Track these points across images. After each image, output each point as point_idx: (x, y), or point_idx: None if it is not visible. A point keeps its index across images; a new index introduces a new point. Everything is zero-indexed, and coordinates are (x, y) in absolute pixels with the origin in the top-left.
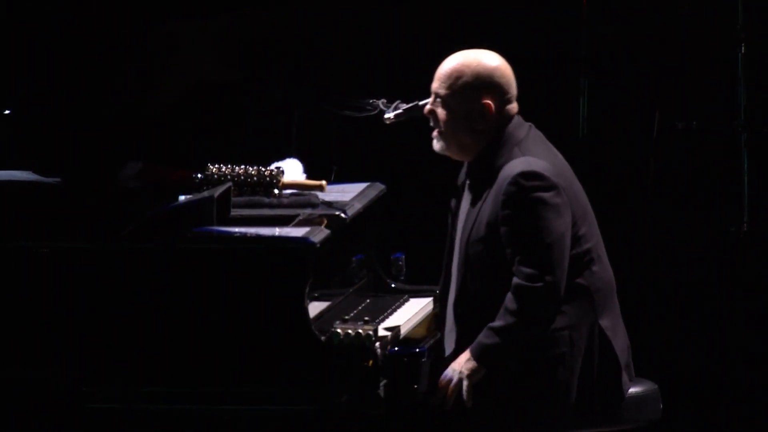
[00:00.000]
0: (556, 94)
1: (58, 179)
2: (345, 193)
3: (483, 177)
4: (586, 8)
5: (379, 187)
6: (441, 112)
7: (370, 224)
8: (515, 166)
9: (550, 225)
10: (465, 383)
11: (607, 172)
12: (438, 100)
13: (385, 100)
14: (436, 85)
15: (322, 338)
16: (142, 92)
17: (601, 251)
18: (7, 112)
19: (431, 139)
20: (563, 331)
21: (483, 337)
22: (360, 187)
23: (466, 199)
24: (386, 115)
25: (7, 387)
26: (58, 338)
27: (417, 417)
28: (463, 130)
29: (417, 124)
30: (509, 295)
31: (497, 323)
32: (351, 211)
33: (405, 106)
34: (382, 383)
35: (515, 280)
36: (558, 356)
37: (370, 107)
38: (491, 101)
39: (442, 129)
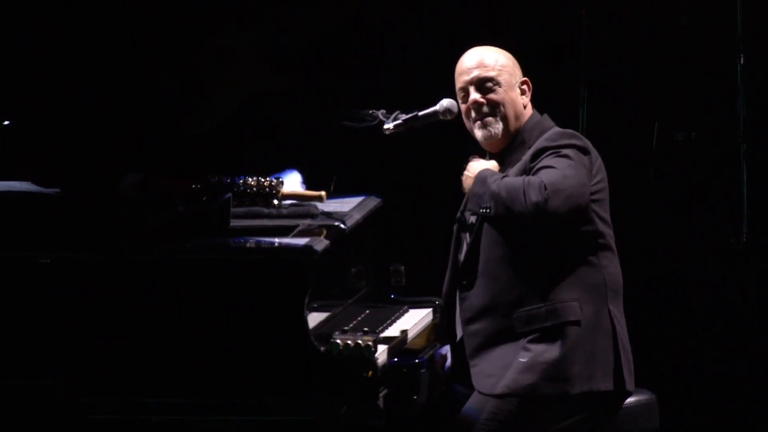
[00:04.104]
0: (555, 105)
1: (57, 190)
2: (344, 205)
3: (514, 156)
4: (585, 20)
5: (375, 200)
6: (494, 94)
7: (368, 235)
8: (556, 129)
9: (573, 167)
10: (463, 177)
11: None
12: (488, 84)
13: (384, 111)
14: (477, 73)
15: (322, 349)
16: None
17: (614, 248)
18: (6, 122)
19: (434, 150)
20: (572, 302)
21: (494, 173)
22: (357, 199)
23: None
24: (386, 126)
25: (8, 397)
26: (58, 349)
27: (416, 427)
28: (514, 106)
29: (416, 134)
30: (526, 177)
31: (505, 180)
32: (350, 222)
33: (404, 116)
34: (381, 394)
35: (530, 176)
36: (566, 324)
37: (369, 118)
38: (527, 78)
39: (496, 110)
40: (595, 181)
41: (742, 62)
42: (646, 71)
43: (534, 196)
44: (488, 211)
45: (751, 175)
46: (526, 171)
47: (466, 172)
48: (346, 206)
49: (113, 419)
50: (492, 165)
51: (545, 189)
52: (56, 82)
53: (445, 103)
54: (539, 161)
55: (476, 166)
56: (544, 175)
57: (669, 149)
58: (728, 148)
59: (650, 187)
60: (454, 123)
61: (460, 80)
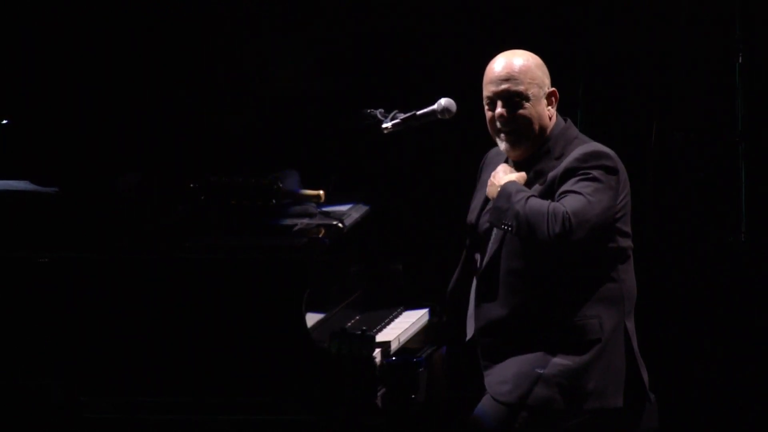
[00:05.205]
0: None
1: (55, 189)
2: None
3: (540, 167)
4: (583, 19)
5: (364, 207)
6: (519, 110)
7: (365, 237)
8: (585, 147)
9: (600, 193)
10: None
11: None
12: (516, 98)
13: (382, 110)
14: (505, 86)
15: (320, 348)
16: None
17: (632, 258)
18: (5, 122)
19: (430, 151)
20: (592, 319)
21: (520, 190)
22: (349, 205)
23: None
24: (384, 125)
25: (6, 396)
26: (56, 347)
27: (415, 426)
28: (541, 120)
29: (415, 134)
30: (550, 203)
31: (530, 200)
32: (348, 221)
33: (402, 116)
34: (379, 393)
35: (555, 204)
36: (585, 341)
37: (367, 117)
38: (554, 88)
39: (522, 126)
40: (620, 198)
41: (740, 62)
42: (645, 70)
43: (557, 227)
44: (509, 229)
45: (749, 174)
46: (554, 191)
47: (492, 179)
48: (343, 207)
49: (112, 418)
50: (519, 177)
51: (570, 220)
52: (55, 82)
53: (444, 102)
54: (567, 184)
55: (503, 176)
56: (570, 203)
57: (667, 149)
58: (727, 147)
59: (649, 187)
60: (452, 122)
61: (487, 89)
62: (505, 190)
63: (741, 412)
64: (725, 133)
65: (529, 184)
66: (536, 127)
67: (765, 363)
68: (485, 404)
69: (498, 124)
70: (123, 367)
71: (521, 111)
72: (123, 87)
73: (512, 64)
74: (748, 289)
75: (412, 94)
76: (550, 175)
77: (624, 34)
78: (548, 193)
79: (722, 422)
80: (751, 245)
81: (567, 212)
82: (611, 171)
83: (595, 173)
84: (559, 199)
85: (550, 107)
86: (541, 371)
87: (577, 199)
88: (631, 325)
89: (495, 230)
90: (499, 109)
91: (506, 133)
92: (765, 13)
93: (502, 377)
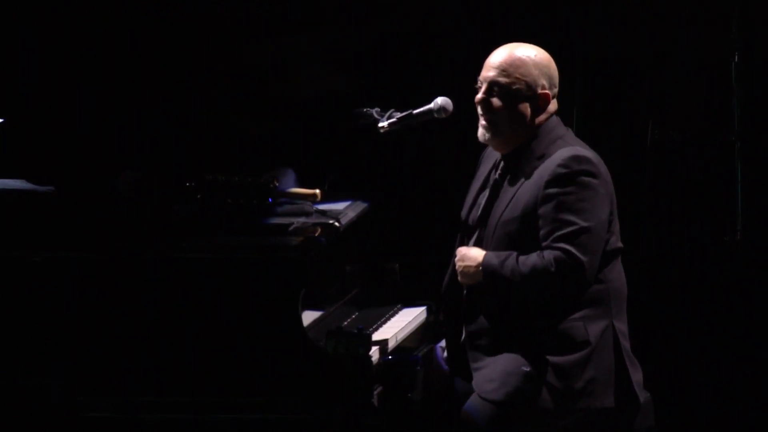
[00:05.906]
0: None
1: (52, 188)
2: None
3: (522, 165)
4: (580, 18)
5: (363, 204)
6: (497, 101)
7: (362, 234)
8: (566, 151)
9: (594, 209)
10: (460, 270)
11: None
12: (495, 88)
13: (379, 109)
14: (492, 74)
15: (316, 347)
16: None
17: (619, 255)
18: (1, 120)
19: (412, 149)
20: (578, 322)
21: (503, 261)
22: (346, 203)
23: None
24: (380, 124)
25: (5, 396)
26: (52, 347)
27: (412, 425)
28: (518, 119)
29: (412, 133)
30: (548, 255)
31: (523, 265)
32: (345, 220)
33: (399, 114)
34: (375, 392)
35: (554, 253)
36: (571, 344)
37: (364, 116)
38: (549, 92)
39: (496, 118)
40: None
41: (736, 61)
42: (641, 70)
43: (567, 272)
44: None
45: (745, 173)
46: (538, 196)
47: (465, 263)
48: (340, 205)
49: (110, 418)
50: (481, 253)
51: (578, 259)
52: (53, 80)
53: (440, 101)
54: (555, 211)
55: (473, 254)
56: (570, 242)
57: (664, 148)
58: (723, 146)
59: (645, 186)
60: (449, 121)
61: (481, 72)
62: (488, 267)
63: (738, 411)
64: (721, 133)
65: (512, 181)
66: (511, 124)
67: (762, 362)
68: (473, 402)
69: (478, 108)
70: (121, 367)
71: (497, 103)
72: (122, 86)
73: (509, 55)
74: (744, 289)
75: (410, 93)
76: (536, 174)
77: (620, 33)
78: (534, 195)
79: (719, 422)
80: (746, 244)
81: (570, 252)
82: (594, 175)
83: (582, 193)
84: (554, 234)
85: (538, 108)
86: (528, 369)
87: (574, 233)
88: (621, 325)
89: (480, 230)
90: (478, 94)
91: (483, 120)
92: (762, 12)
93: (490, 375)
